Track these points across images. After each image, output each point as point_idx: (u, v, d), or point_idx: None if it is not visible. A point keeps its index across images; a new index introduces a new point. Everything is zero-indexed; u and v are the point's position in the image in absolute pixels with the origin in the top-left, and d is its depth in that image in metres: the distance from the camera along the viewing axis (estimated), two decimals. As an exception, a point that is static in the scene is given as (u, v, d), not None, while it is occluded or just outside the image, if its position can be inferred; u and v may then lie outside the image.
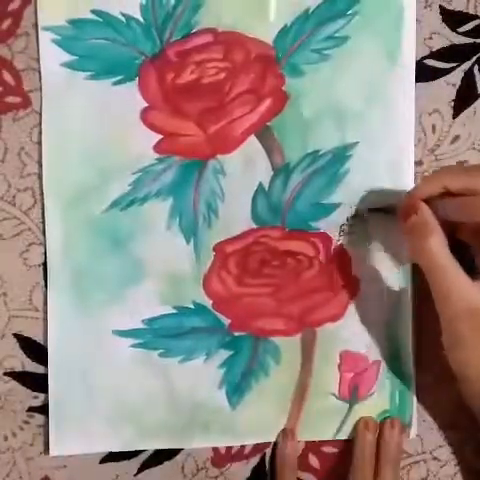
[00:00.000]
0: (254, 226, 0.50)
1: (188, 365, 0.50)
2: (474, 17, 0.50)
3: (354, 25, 0.49)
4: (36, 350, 0.50)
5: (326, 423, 0.51)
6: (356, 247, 0.50)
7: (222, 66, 0.49)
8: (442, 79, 0.51)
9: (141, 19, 0.49)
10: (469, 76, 0.51)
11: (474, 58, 0.51)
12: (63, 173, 0.49)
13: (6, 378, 0.51)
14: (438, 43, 0.50)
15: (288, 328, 0.51)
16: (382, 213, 0.50)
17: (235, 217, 0.50)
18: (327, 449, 0.52)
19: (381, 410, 0.51)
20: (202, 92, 0.49)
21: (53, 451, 0.50)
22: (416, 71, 0.50)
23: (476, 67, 0.51)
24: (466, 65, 0.51)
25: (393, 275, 0.51)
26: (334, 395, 0.51)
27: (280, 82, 0.49)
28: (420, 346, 0.51)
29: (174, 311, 0.50)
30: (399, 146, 0.50)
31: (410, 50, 0.50)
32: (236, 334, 0.50)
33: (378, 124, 0.50)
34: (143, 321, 0.50)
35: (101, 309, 0.50)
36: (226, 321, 0.50)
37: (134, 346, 0.50)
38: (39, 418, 0.51)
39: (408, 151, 0.50)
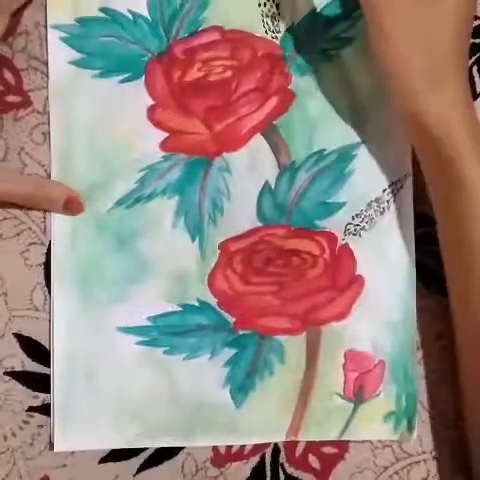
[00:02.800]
0: (259, 224, 0.50)
1: (193, 363, 0.50)
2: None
3: (359, 27, 0.50)
4: (36, 350, 0.50)
5: (331, 423, 0.51)
6: (361, 246, 0.51)
7: (229, 64, 0.49)
8: (442, 79, 0.51)
9: (148, 17, 0.49)
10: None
11: (473, 58, 0.51)
12: (69, 171, 0.49)
13: (6, 377, 0.50)
14: (438, 43, 0.51)
15: (293, 327, 0.50)
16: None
17: (240, 215, 0.50)
18: (327, 450, 0.52)
19: (387, 411, 0.51)
20: (208, 90, 0.49)
21: (57, 447, 0.50)
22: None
23: (475, 68, 0.51)
24: (465, 65, 0.51)
25: (398, 274, 0.51)
26: (339, 395, 0.51)
27: (286, 81, 0.50)
28: (421, 346, 0.52)
29: (179, 309, 0.50)
30: (402, 145, 0.50)
31: None
32: (241, 332, 0.50)
33: (382, 124, 0.50)
34: (148, 318, 0.49)
35: (106, 307, 0.49)
36: (231, 319, 0.50)
37: (139, 343, 0.49)
38: (39, 418, 0.50)
39: (410, 150, 0.50)
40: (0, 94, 0.50)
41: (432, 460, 0.52)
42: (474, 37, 0.51)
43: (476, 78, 0.52)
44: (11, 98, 0.50)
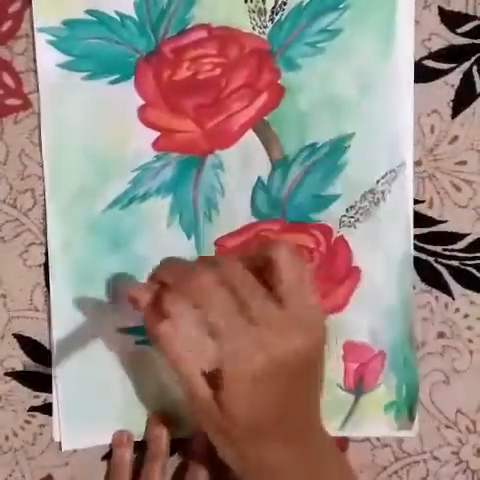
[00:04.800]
0: (254, 220, 0.50)
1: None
2: (473, 18, 0.50)
3: (346, 18, 0.49)
4: (37, 350, 0.51)
5: (332, 415, 0.51)
6: (356, 238, 0.50)
7: (217, 61, 0.49)
8: (441, 80, 0.50)
9: (135, 17, 0.49)
10: (468, 77, 0.51)
11: (473, 59, 0.50)
12: (63, 173, 0.49)
13: (7, 378, 0.51)
14: (437, 44, 0.50)
15: (291, 320, 0.50)
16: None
17: (235, 212, 0.50)
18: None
19: (388, 402, 0.51)
20: (198, 88, 0.49)
21: (65, 446, 0.51)
22: (415, 72, 0.50)
23: (475, 68, 0.51)
24: (465, 66, 0.50)
25: (394, 265, 0.51)
26: (339, 386, 0.51)
27: (276, 76, 0.50)
28: (421, 345, 0.52)
29: (177, 307, 0.50)
30: (394, 135, 0.50)
31: (405, 47, 0.50)
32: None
33: (373, 115, 0.50)
34: (146, 318, 0.50)
35: (105, 307, 0.50)
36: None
37: (139, 343, 0.50)
38: (40, 417, 0.51)
39: (403, 140, 0.50)
40: (0, 97, 0.50)
41: (432, 460, 0.52)
42: (474, 37, 0.50)
43: (476, 78, 0.51)
44: (11, 101, 0.50)
